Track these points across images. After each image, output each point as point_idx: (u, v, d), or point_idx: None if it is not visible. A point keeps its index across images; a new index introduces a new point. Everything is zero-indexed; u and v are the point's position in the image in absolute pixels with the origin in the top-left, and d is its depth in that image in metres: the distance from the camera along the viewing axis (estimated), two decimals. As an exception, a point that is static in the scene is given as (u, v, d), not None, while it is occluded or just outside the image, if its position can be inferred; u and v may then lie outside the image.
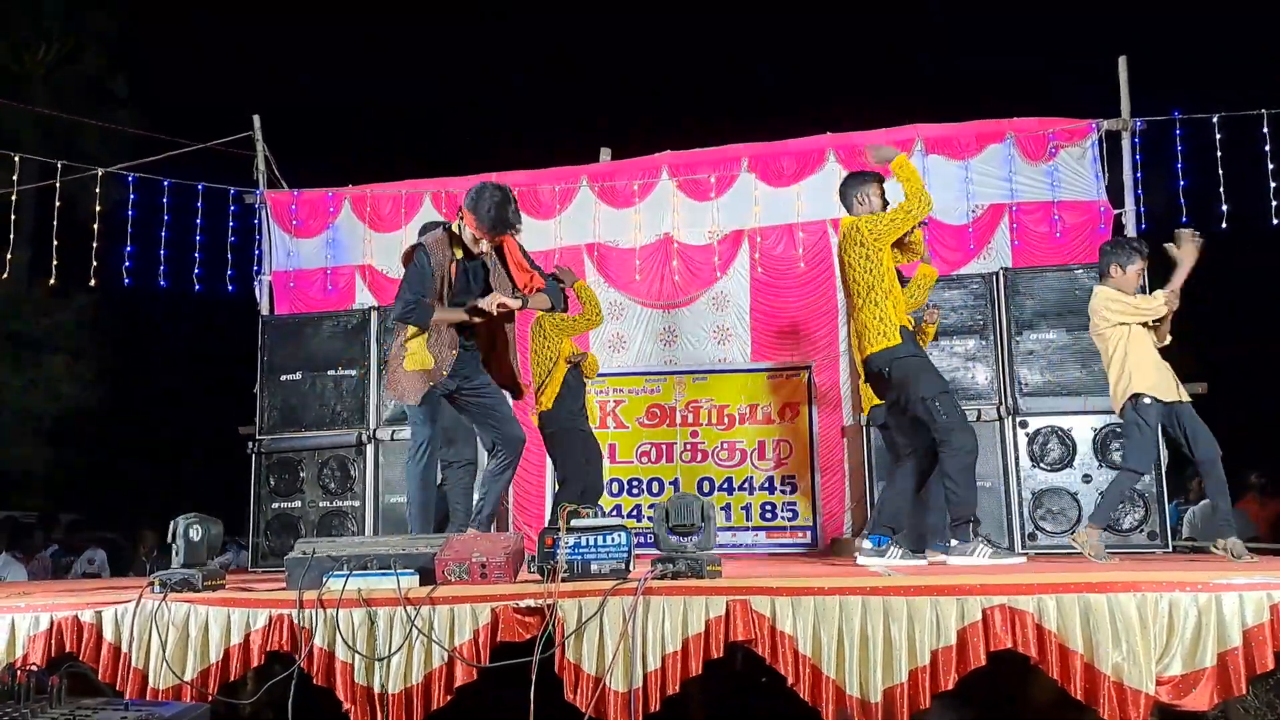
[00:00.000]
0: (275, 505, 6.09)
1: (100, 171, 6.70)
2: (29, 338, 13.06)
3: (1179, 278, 4.19)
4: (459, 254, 3.98)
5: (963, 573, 3.44)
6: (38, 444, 13.40)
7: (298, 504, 6.07)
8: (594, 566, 3.11)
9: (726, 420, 6.43)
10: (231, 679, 3.14)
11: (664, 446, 6.50)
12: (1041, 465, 5.53)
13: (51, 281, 6.64)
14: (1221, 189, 6.00)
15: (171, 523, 3.42)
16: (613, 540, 3.14)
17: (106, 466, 14.84)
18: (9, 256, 6.86)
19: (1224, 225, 6.01)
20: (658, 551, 3.12)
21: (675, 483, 6.42)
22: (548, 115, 15.91)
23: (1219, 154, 6.01)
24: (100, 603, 3.30)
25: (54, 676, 1.89)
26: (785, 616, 2.84)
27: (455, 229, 3.98)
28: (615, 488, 6.51)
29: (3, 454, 13.01)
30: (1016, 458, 5.52)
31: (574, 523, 3.17)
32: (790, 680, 2.82)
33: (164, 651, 3.13)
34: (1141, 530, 5.34)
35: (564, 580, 3.00)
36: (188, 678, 3.11)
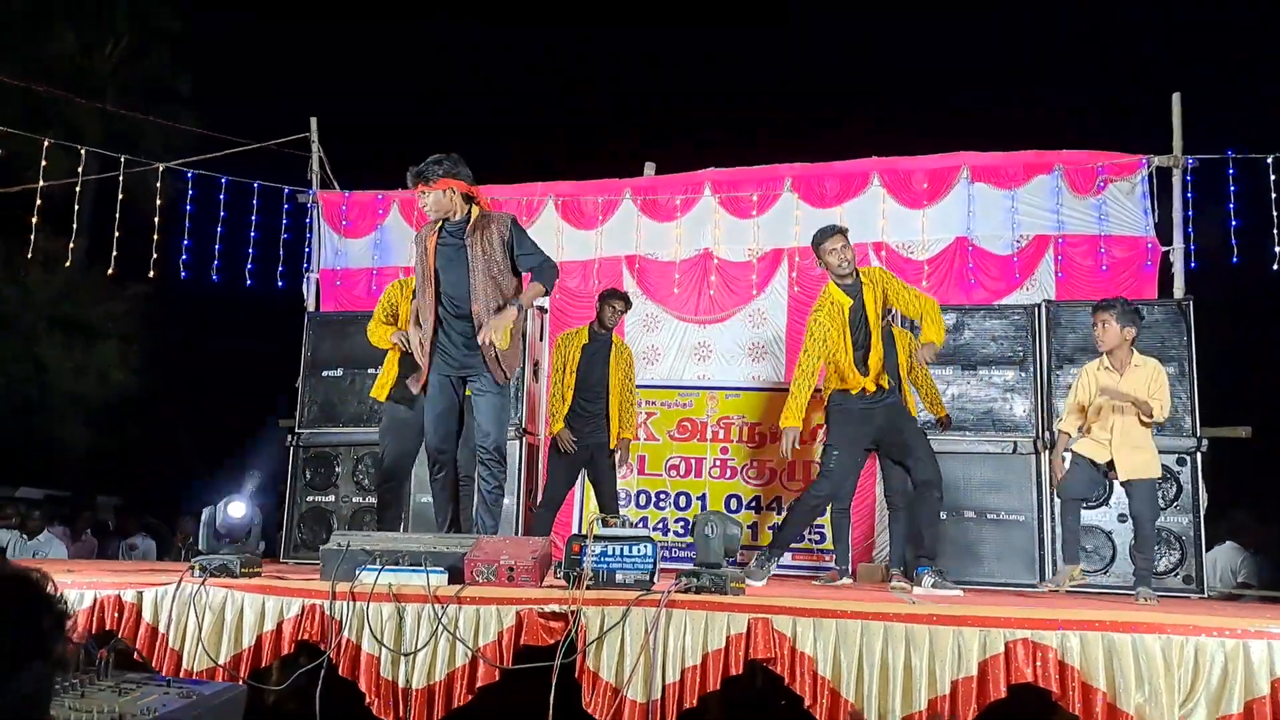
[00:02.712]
0: (310, 498, 6.21)
1: (161, 167, 6.93)
2: (83, 323, 13.48)
3: None
4: (438, 226, 4.09)
5: (988, 604, 3.42)
6: (82, 427, 13.78)
7: (331, 498, 6.18)
8: (619, 576, 3.15)
9: (758, 438, 6.42)
10: (263, 665, 3.23)
11: (693, 461, 6.51)
12: (1075, 501, 5.44)
13: (110, 271, 6.86)
14: (1275, 230, 5.91)
15: (208, 508, 3.54)
16: (639, 551, 3.18)
17: (147, 452, 15.20)
18: (70, 244, 7.12)
19: (1276, 267, 5.93)
20: (678, 567, 3.15)
21: (703, 498, 6.41)
22: (595, 128, 16.07)
23: (1273, 195, 5.92)
24: (142, 583, 3.42)
25: (103, 650, 1.99)
26: (806, 637, 2.86)
27: None
28: (642, 500, 6.54)
29: (48, 435, 13.41)
30: (1052, 492, 5.45)
31: (601, 532, 3.22)
32: (807, 702, 2.83)
33: (200, 634, 3.23)
34: (1176, 574, 5.25)
35: (589, 588, 3.05)
36: (221, 661, 3.20)
